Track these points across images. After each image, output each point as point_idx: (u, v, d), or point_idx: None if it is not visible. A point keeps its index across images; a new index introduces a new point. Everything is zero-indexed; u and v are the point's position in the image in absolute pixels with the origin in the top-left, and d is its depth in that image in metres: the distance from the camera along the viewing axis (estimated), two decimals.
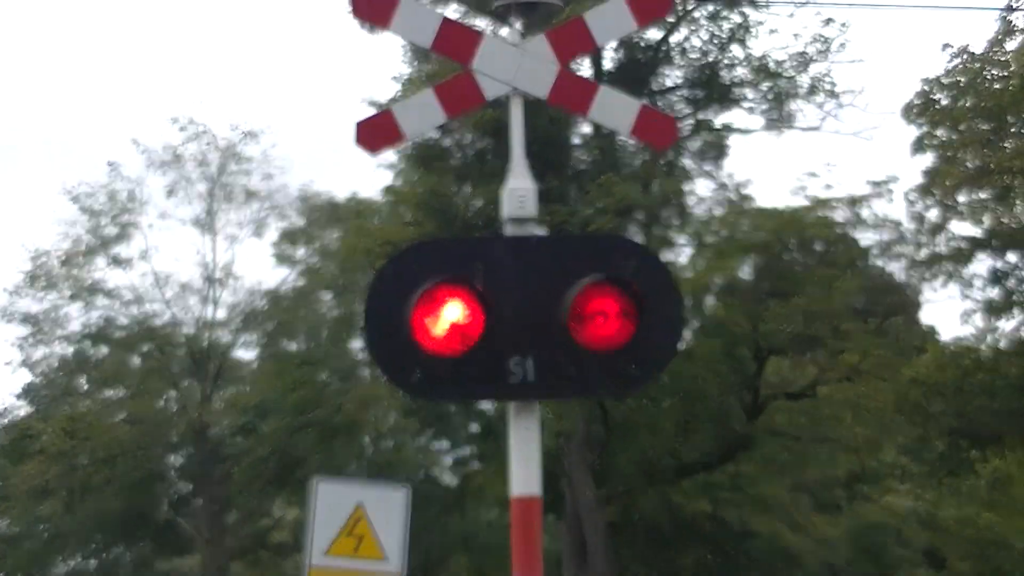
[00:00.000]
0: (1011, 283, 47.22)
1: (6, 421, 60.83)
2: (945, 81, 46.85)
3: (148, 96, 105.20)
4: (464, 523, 55.24)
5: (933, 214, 47.51)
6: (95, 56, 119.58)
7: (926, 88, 46.98)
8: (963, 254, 47.30)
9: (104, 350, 59.55)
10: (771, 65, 49.30)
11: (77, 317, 58.61)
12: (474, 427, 57.61)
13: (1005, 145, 45.65)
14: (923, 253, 48.03)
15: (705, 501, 53.21)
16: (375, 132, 12.70)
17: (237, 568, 57.54)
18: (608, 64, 46.98)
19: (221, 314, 58.51)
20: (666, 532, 53.28)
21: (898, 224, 48.28)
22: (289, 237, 58.91)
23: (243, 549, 58.45)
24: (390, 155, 47.10)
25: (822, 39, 48.53)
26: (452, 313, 11.44)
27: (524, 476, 11.74)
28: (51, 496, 56.67)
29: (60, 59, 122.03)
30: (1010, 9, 45.75)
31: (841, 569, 58.19)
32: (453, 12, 43.07)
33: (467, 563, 54.91)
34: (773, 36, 49.58)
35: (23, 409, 60.21)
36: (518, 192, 11.96)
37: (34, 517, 58.18)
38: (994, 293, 47.55)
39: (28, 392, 60.38)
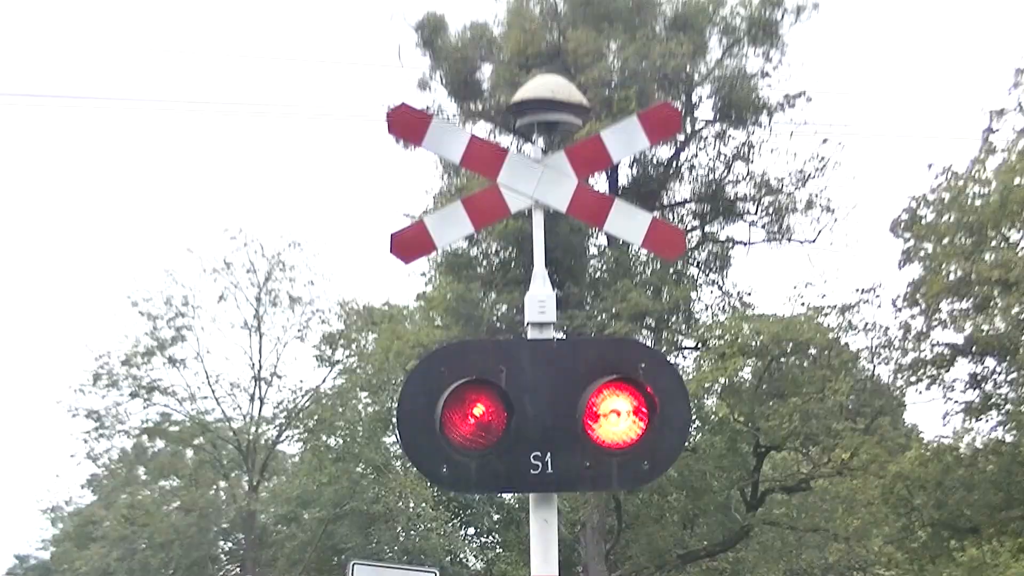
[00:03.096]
0: (988, 387, 47.02)
1: (71, 509, 60.58)
2: (930, 198, 46.64)
3: (202, 209, 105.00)
4: None
5: (918, 322, 47.31)
6: (155, 171, 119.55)
7: (913, 204, 46.80)
8: (944, 359, 47.11)
9: (160, 444, 59.45)
10: (772, 181, 49.26)
11: (136, 413, 58.73)
12: (496, 516, 57.21)
13: (985, 257, 45.38)
14: (908, 358, 47.83)
15: None
16: (408, 243, 12.71)
17: None
18: (623, 179, 46.94)
19: (267, 411, 58.58)
20: None
21: (886, 330, 48.20)
22: (329, 340, 58.80)
23: None
24: (422, 265, 46.73)
25: (819, 157, 48.53)
26: (478, 411, 11.39)
27: (543, 562, 11.65)
28: None
29: (122, 174, 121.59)
30: (990, 131, 45.66)
31: None
32: (480, 128, 43.06)
33: None
34: (774, 154, 49.38)
35: (87, 498, 59.95)
36: (539, 299, 11.92)
37: None
38: (973, 396, 47.39)
39: (92, 482, 60.27)
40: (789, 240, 49.68)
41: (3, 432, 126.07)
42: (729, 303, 51.10)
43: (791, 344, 48.63)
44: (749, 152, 49.32)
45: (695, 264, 49.86)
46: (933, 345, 47.13)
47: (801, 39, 47.62)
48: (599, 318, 44.97)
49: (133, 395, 58.38)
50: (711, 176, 49.81)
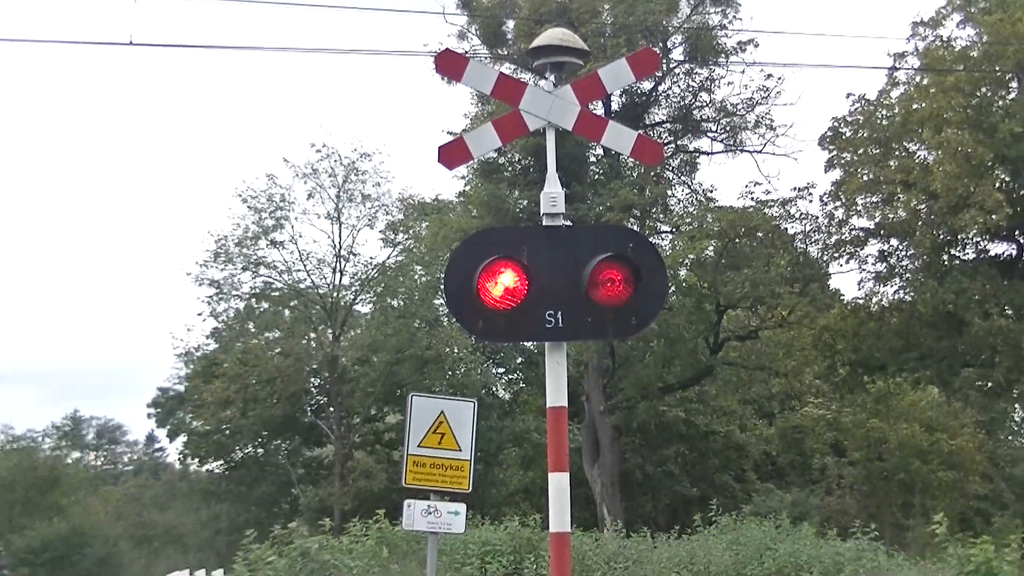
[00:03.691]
0: (892, 260, 48.43)
1: (199, 354, 61.12)
2: (848, 119, 48.12)
3: (297, 126, 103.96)
4: (514, 425, 55.78)
5: (840, 212, 48.59)
6: (255, 101, 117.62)
7: (835, 124, 48.24)
8: (860, 240, 48.64)
9: (265, 305, 59.83)
10: (728, 107, 50.16)
11: (247, 282, 58.98)
12: (520, 359, 58.00)
13: (890, 164, 46.70)
14: (833, 240, 49.26)
15: (681, 411, 53.84)
16: (451, 153, 12.89)
17: (359, 455, 57.84)
18: (615, 106, 47.41)
19: (346, 280, 58.91)
20: (654, 433, 54.02)
21: (815, 219, 49.37)
22: (392, 227, 59.10)
23: (363, 443, 58.79)
24: (462, 170, 47.44)
25: (764, 89, 49.46)
26: (505, 280, 11.73)
27: (555, 393, 11.94)
28: (231, 405, 57.23)
29: (233, 100, 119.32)
30: (894, 68, 47.03)
31: (774, 457, 58.75)
32: (506, 68, 43.32)
33: (516, 454, 55.48)
34: (730, 87, 50.39)
35: (211, 345, 60.61)
36: (551, 196, 12.16)
37: (219, 420, 58.55)
38: (881, 267, 48.69)
39: (214, 334, 60.66)
40: (742, 151, 50.56)
41: (150, 296, 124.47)
42: (696, 199, 52.09)
43: (743, 229, 49.66)
44: (711, 85, 50.30)
45: (670, 169, 50.29)
46: (851, 230, 48.95)
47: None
48: (597, 210, 45.74)
49: (244, 268, 58.67)
50: (682, 103, 50.68)
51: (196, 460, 63.80)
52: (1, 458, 65.72)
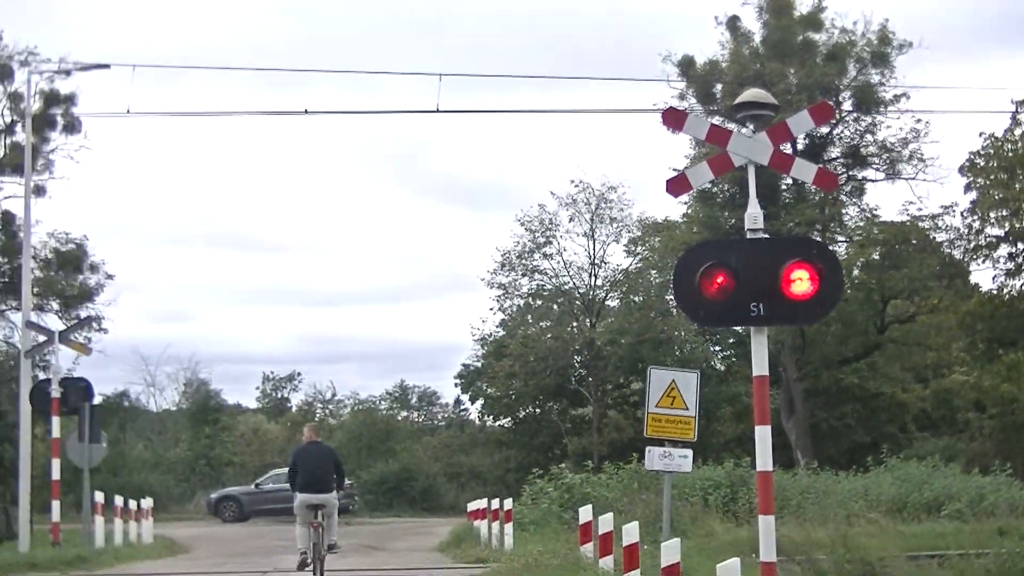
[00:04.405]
0: (1020, 259, 47.24)
1: (491, 338, 61.49)
2: (981, 152, 47.02)
3: (560, 166, 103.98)
4: (728, 390, 55.42)
5: (976, 223, 47.61)
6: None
7: (971, 156, 47.30)
8: (993, 245, 47.44)
9: (539, 302, 60.15)
10: (888, 144, 49.68)
11: (525, 285, 59.47)
12: (732, 339, 57.62)
13: (1015, 185, 45.74)
14: (971, 245, 48.32)
15: (855, 377, 53.04)
16: (676, 184, 12.98)
17: (612, 413, 57.87)
18: (800, 146, 46.79)
19: (599, 282, 59.10)
20: (835, 394, 53.30)
21: (957, 229, 48.72)
22: (633, 241, 59.20)
23: (614, 404, 58.77)
24: (684, 197, 47.23)
25: (915, 130, 48.91)
26: (720, 280, 11.75)
27: (759, 365, 11.97)
28: (515, 377, 57.76)
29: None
30: (1016, 112, 46.15)
31: (928, 412, 57.47)
32: (716, 120, 43.35)
33: (729, 411, 55.06)
34: (888, 128, 49.69)
35: (500, 333, 61.03)
36: (753, 215, 12.16)
37: (507, 387, 59.03)
38: (1010, 265, 47.51)
39: (502, 324, 61.03)
40: (899, 178, 49.68)
41: (456, 296, 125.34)
42: (864, 215, 51.48)
43: (901, 238, 49.49)
44: (874, 128, 49.49)
45: (844, 194, 49.57)
46: (986, 237, 47.73)
47: (903, 61, 47.16)
48: (788, 226, 45.56)
49: (523, 275, 59.17)
50: (852, 142, 49.86)
51: (491, 417, 64.45)
52: (352, 416, 67.41)
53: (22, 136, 40.88)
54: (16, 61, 47.69)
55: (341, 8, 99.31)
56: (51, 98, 47.99)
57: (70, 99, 48.72)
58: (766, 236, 12.48)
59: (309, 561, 19.74)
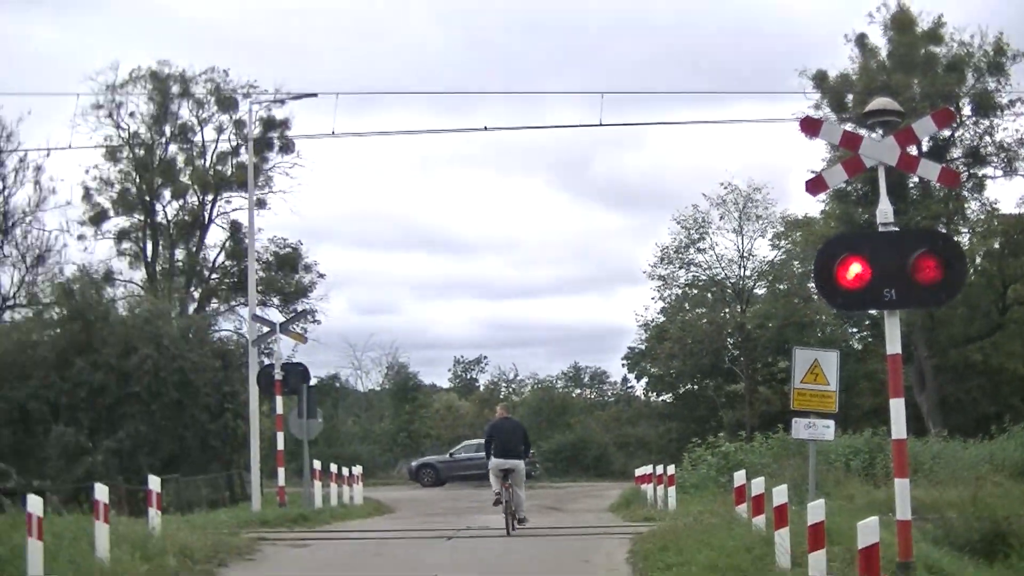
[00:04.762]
0: None
1: (653, 324, 61.39)
2: None
3: (710, 171, 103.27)
4: (865, 367, 54.14)
5: None
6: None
7: None
8: None
9: (695, 291, 60.16)
10: (1005, 144, 48.39)
11: (682, 276, 59.73)
12: (867, 321, 56.54)
13: None
14: None
15: (980, 354, 51.51)
16: (815, 185, 13.09)
17: (762, 389, 57.09)
18: (924, 147, 45.71)
19: (747, 272, 58.92)
20: (962, 369, 51.78)
21: None
22: (777, 236, 58.78)
23: (764, 380, 58.01)
24: (822, 196, 46.80)
25: None
26: (855, 269, 11.56)
27: (893, 344, 11.74)
28: (675, 358, 57.88)
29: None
30: None
31: None
32: (848, 126, 42.83)
33: (867, 386, 53.81)
34: (1005, 131, 48.35)
35: (661, 319, 60.87)
36: (884, 211, 11.94)
37: (668, 367, 59.25)
38: None
39: (663, 311, 61.01)
40: (1017, 174, 48.72)
41: (623, 288, 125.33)
42: (984, 209, 50.16)
43: (1019, 228, 48.15)
44: (992, 130, 48.15)
45: (965, 189, 48.52)
46: None
47: (1017, 69, 46.10)
48: (916, 219, 44.49)
49: (680, 267, 59.63)
50: (972, 143, 48.46)
51: (654, 393, 64.26)
52: (532, 394, 67.95)
53: (245, 157, 42.04)
54: (239, 94, 49.74)
55: (515, 39, 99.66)
56: (269, 123, 49.78)
57: (284, 124, 50.69)
58: (896, 229, 12.18)
59: (502, 500, 21.13)
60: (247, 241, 35.27)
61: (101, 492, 14.72)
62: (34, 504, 12.76)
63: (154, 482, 18.10)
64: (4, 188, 48.52)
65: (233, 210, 52.30)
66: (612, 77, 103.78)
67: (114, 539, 14.73)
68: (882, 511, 11.97)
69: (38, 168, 48.24)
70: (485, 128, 35.05)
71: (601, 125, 30.06)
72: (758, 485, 16.11)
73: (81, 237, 50.15)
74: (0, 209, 48.65)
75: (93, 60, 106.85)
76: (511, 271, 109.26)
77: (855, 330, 59.86)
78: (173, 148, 51.70)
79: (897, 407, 11.68)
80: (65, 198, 50.77)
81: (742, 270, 59.58)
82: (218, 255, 52.80)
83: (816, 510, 10.87)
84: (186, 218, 52.12)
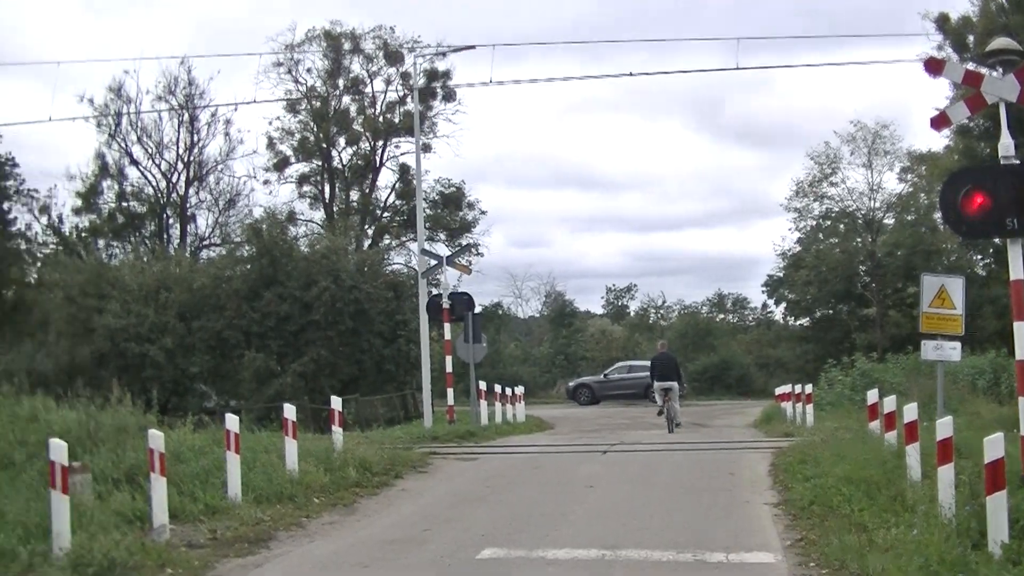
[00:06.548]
0: None
1: (791, 253, 60.21)
2: None
3: (840, 110, 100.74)
4: (989, 292, 52.21)
5: None
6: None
7: None
8: None
9: (828, 222, 58.97)
10: None
11: (815, 208, 59.06)
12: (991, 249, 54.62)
13: None
14: None
15: None
16: (939, 121, 12.70)
17: (892, 313, 55.68)
18: None
19: (876, 204, 57.76)
20: None
21: None
22: (904, 170, 57.21)
23: (894, 304, 56.04)
24: (946, 131, 45.20)
25: None
26: (979, 200, 11.19)
27: (1016, 270, 11.21)
28: (810, 284, 57.48)
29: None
30: None
31: None
32: (969, 65, 41.36)
33: (990, 310, 51.95)
34: None
35: (797, 248, 59.67)
36: (1006, 145, 11.48)
37: (804, 292, 59.15)
38: None
39: (799, 241, 59.84)
40: None
41: (763, 221, 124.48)
42: None
43: None
44: None
45: None
46: None
47: None
48: None
49: (814, 200, 58.33)
50: None
51: (792, 317, 63.34)
52: (679, 319, 68.33)
53: (412, 106, 42.83)
54: (405, 48, 50.79)
55: None
56: (432, 74, 50.69)
57: (446, 74, 51.60)
58: (1017, 162, 11.68)
59: (663, 411, 26.07)
60: (415, 182, 35.86)
61: (289, 411, 15.24)
62: (231, 422, 13.38)
63: (336, 402, 18.53)
64: (198, 140, 50.69)
65: (402, 154, 53.67)
66: (744, 25, 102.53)
67: (301, 453, 15.29)
68: (1007, 427, 11.64)
69: (227, 122, 50.80)
70: (631, 74, 35.04)
71: (738, 68, 29.46)
72: (890, 403, 15.89)
73: (266, 182, 52.70)
74: (195, 159, 50.77)
75: (273, 23, 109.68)
76: (654, 206, 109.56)
77: (979, 257, 57.85)
78: (346, 99, 53.49)
79: (1020, 329, 11.23)
80: (251, 147, 53.35)
81: (872, 202, 58.14)
82: (389, 195, 54.43)
83: (944, 426, 10.64)
84: (359, 162, 53.73)
